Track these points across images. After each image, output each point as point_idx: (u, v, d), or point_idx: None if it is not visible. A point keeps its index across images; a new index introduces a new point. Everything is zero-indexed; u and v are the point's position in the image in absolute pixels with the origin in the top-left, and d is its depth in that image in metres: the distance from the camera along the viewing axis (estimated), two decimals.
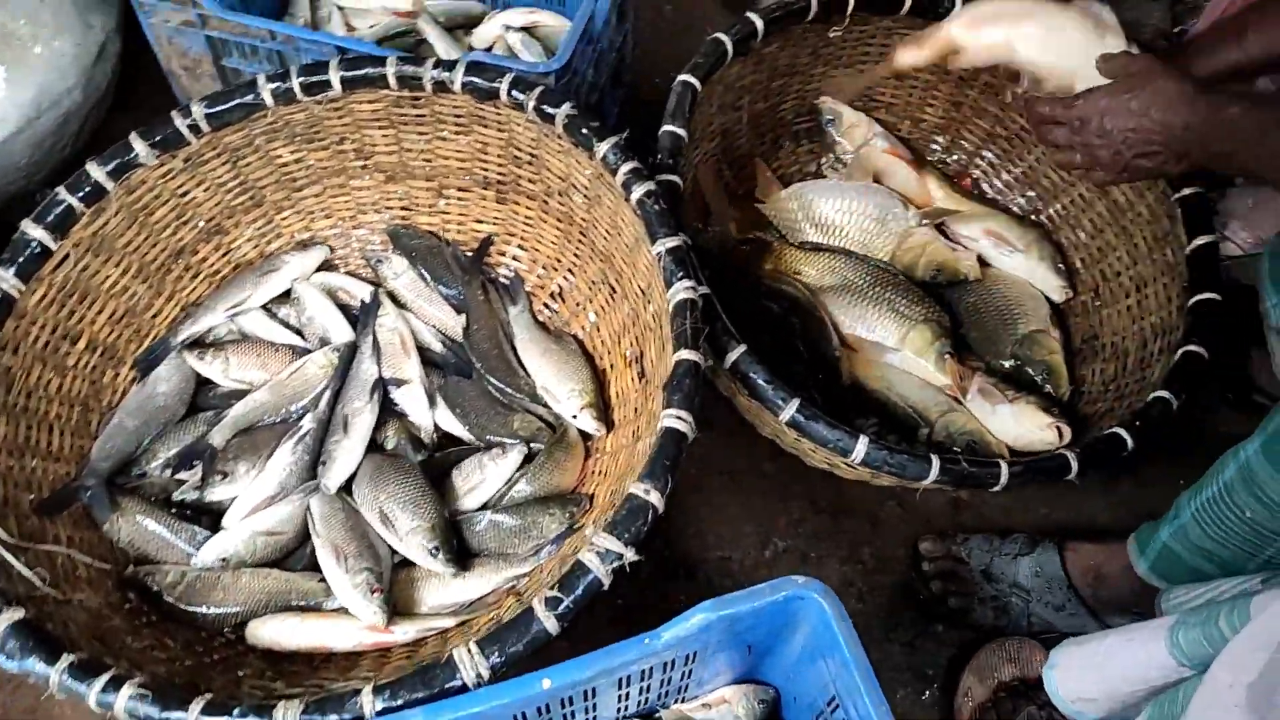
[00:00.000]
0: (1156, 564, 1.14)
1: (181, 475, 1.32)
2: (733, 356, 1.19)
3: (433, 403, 1.39)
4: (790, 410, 1.16)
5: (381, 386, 1.36)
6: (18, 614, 0.97)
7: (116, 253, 1.31)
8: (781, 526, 1.43)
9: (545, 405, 1.38)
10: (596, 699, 1.01)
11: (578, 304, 1.46)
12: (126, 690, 0.92)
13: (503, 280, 1.50)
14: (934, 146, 1.69)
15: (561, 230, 1.45)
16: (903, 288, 1.47)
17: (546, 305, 1.50)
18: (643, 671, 1.00)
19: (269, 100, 1.29)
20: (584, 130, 1.24)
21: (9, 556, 1.05)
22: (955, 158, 1.68)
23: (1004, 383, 1.39)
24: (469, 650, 0.93)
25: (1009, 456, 1.32)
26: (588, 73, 1.50)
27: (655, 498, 1.00)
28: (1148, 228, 1.41)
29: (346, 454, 1.29)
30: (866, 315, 1.44)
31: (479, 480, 1.31)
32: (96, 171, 1.24)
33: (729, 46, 1.39)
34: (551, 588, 0.95)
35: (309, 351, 1.40)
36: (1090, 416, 1.38)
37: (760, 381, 1.17)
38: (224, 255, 1.45)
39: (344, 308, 1.46)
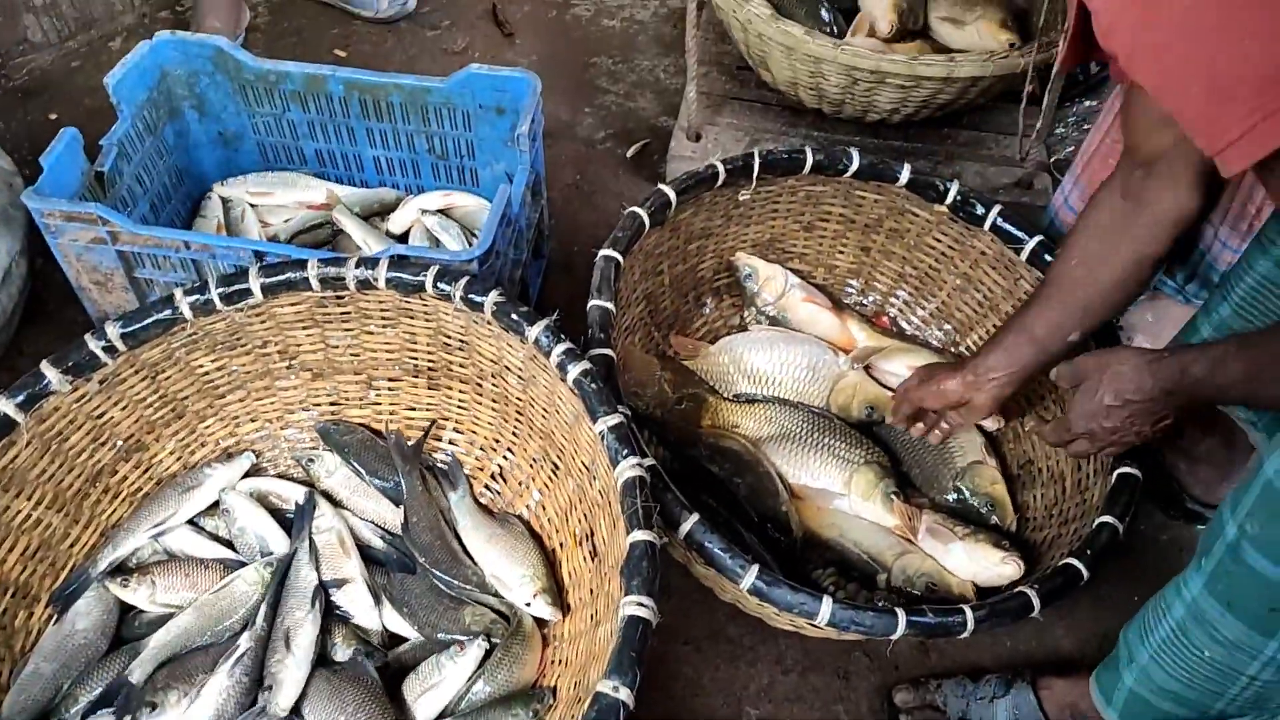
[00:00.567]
0: (1126, 712, 1.12)
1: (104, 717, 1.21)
2: (686, 527, 1.17)
3: (378, 601, 1.33)
4: (750, 578, 1.14)
5: (323, 594, 1.29)
6: None
7: (29, 485, 1.24)
8: (752, 693, 1.38)
9: (496, 594, 1.33)
10: None
11: (520, 483, 1.44)
12: None
13: (440, 465, 1.46)
14: (849, 289, 1.74)
15: (497, 410, 1.43)
16: (840, 431, 1.49)
17: (488, 486, 1.47)
18: None
19: (188, 314, 1.27)
20: (513, 316, 1.25)
21: None
22: (871, 299, 1.74)
23: (951, 518, 1.40)
24: None
25: (971, 595, 1.31)
26: (509, 252, 1.52)
27: (625, 694, 0.96)
28: None
29: (292, 673, 1.21)
30: (809, 463, 1.45)
31: (437, 681, 1.24)
32: (5, 404, 1.19)
33: (645, 219, 1.43)
34: None
35: (241, 564, 1.33)
36: (1037, 544, 1.40)
37: (717, 551, 1.16)
38: (145, 472, 1.38)
39: (276, 512, 1.40)
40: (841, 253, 1.71)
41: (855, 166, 1.54)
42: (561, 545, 1.35)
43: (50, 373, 1.21)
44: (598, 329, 1.31)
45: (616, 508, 1.12)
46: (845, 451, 1.46)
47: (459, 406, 1.47)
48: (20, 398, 1.20)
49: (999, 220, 1.51)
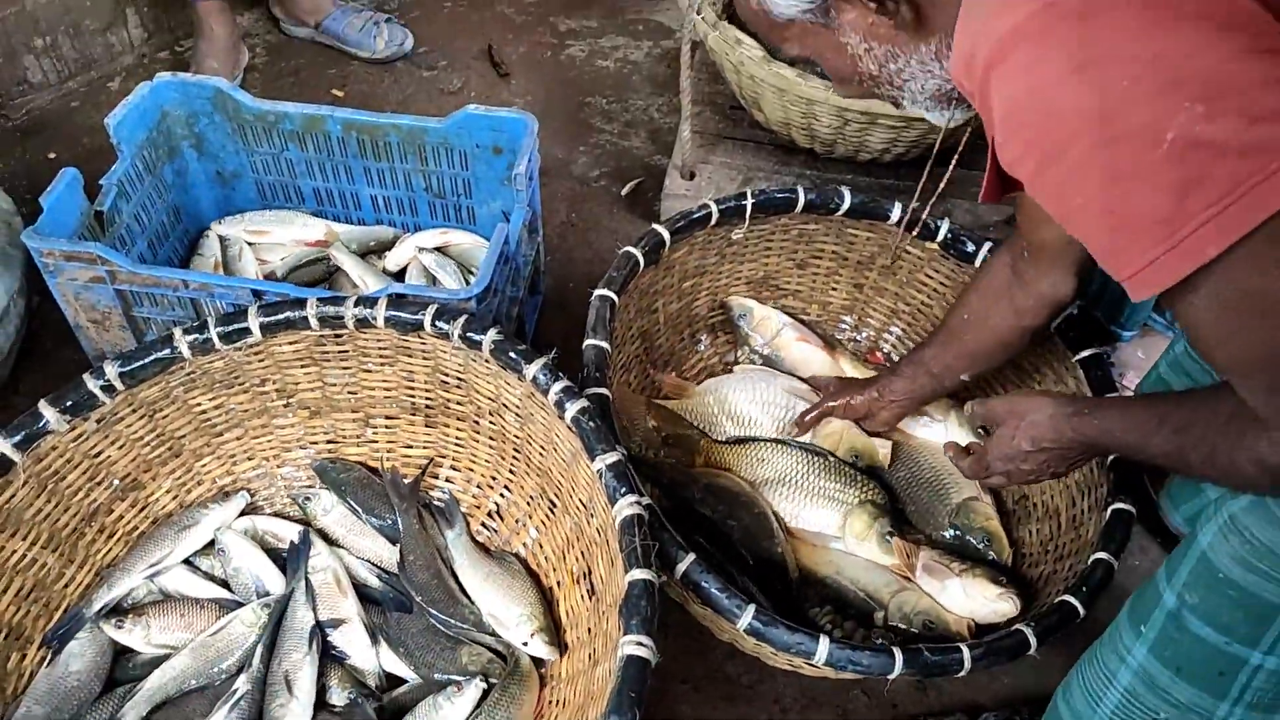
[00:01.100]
0: None
1: None
2: (682, 566, 1.17)
3: (375, 641, 1.32)
4: (747, 618, 1.14)
5: (319, 633, 1.29)
6: None
7: (24, 525, 1.24)
8: None
9: (493, 633, 1.33)
10: None
11: (517, 520, 1.44)
12: None
13: (437, 503, 1.46)
14: (843, 325, 1.76)
15: (495, 448, 1.43)
16: (833, 471, 1.49)
17: (485, 525, 1.47)
18: None
19: (186, 353, 1.28)
20: (511, 354, 1.25)
21: None
22: (864, 335, 1.75)
23: (948, 555, 1.40)
24: None
25: (967, 633, 1.31)
26: (506, 289, 1.53)
27: None
28: (1055, 388, 1.49)
29: (297, 717, 1.20)
30: (803, 507, 1.44)
31: None
32: (2, 444, 1.19)
33: (640, 258, 1.45)
34: None
35: (238, 604, 1.33)
36: (1033, 580, 1.40)
37: (714, 590, 1.15)
38: (141, 511, 1.38)
39: (272, 551, 1.40)
40: (834, 289, 1.72)
41: (847, 205, 1.56)
42: (559, 584, 1.35)
43: (48, 412, 1.21)
44: (593, 368, 1.32)
45: (615, 546, 1.12)
46: (839, 492, 1.46)
47: (456, 444, 1.47)
48: (18, 437, 1.19)
49: (990, 256, 1.53)
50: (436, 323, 1.28)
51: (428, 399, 1.43)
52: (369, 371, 1.40)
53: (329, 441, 1.48)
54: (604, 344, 1.35)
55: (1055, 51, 0.72)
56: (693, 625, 1.39)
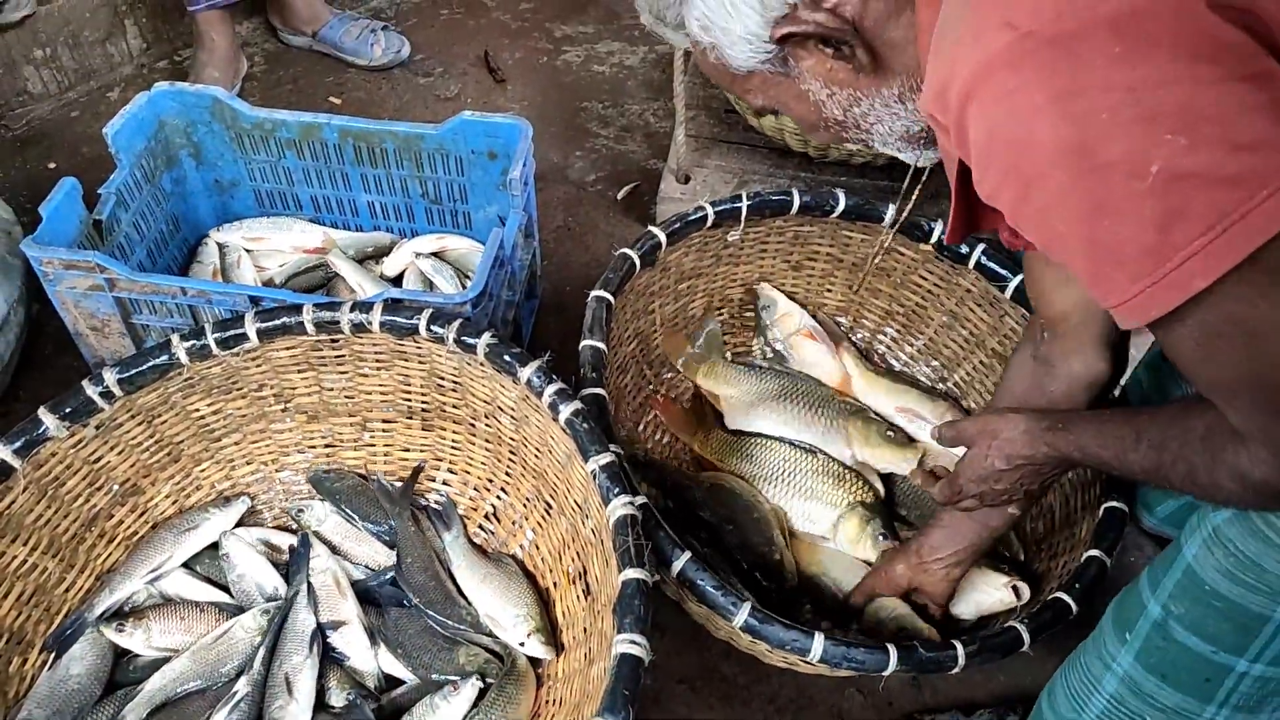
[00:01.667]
0: None
1: None
2: (678, 565, 1.18)
3: (373, 641, 1.33)
4: (743, 615, 1.15)
5: (320, 636, 1.30)
6: None
7: (25, 530, 1.25)
8: None
9: (490, 634, 1.34)
10: None
11: (514, 522, 1.45)
12: None
13: (434, 506, 1.47)
14: (838, 327, 1.77)
15: (491, 451, 1.44)
16: (825, 471, 1.49)
17: (481, 527, 1.48)
18: None
19: (184, 359, 1.29)
20: (506, 357, 1.26)
21: None
22: (860, 336, 1.76)
23: None
24: None
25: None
26: (502, 293, 1.55)
27: None
28: None
29: (296, 719, 1.21)
30: (793, 508, 1.46)
31: None
32: (2, 450, 1.20)
33: (636, 260, 1.46)
34: None
35: (238, 608, 1.34)
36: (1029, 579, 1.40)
37: (709, 589, 1.16)
38: (141, 516, 1.39)
39: (271, 561, 1.41)
40: (829, 291, 1.73)
41: (842, 207, 1.57)
42: (555, 585, 1.36)
43: (47, 419, 1.22)
44: (589, 369, 1.33)
45: (609, 546, 1.13)
46: (831, 494, 1.46)
47: (453, 447, 1.48)
48: (17, 444, 1.21)
49: (983, 258, 1.54)
50: (432, 327, 1.29)
51: (424, 403, 1.44)
52: (365, 376, 1.41)
53: (327, 446, 1.49)
54: (600, 344, 1.36)
55: (1032, 81, 0.70)
56: (689, 626, 1.40)
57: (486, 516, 1.48)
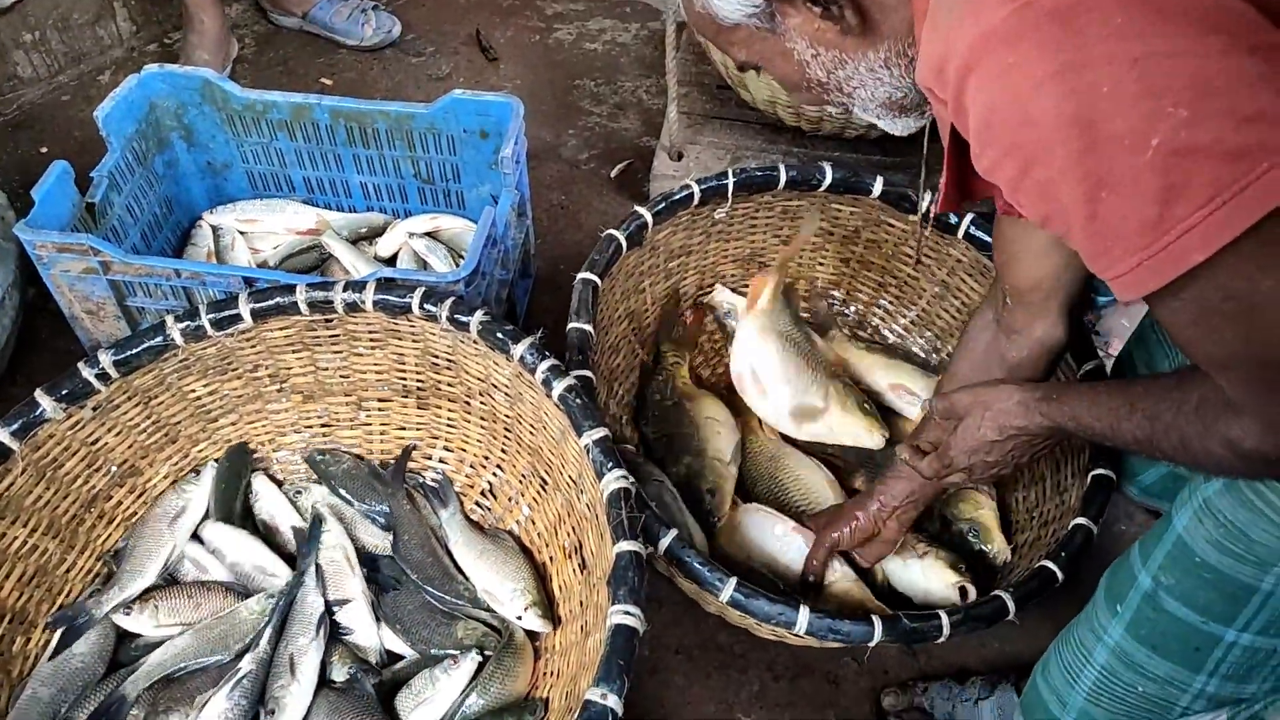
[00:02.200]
0: None
1: None
2: (665, 542, 1.19)
3: (377, 618, 1.35)
4: (729, 590, 1.16)
5: (328, 619, 1.31)
6: None
7: (25, 512, 1.26)
8: (744, 700, 1.40)
9: (488, 609, 1.35)
10: None
11: (510, 499, 1.46)
12: None
13: (431, 483, 1.49)
14: (832, 300, 1.77)
15: (486, 428, 1.46)
16: (796, 457, 1.52)
17: (478, 504, 1.49)
18: None
19: (179, 340, 1.30)
20: (499, 335, 1.27)
21: None
22: (854, 309, 1.77)
23: (918, 535, 1.40)
24: None
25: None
26: (495, 272, 1.55)
27: (614, 701, 0.98)
28: None
29: (296, 699, 1.23)
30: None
31: (431, 694, 1.26)
32: (0, 433, 1.21)
33: (622, 241, 1.46)
34: None
35: (245, 591, 1.35)
36: (1020, 546, 1.42)
37: (695, 565, 1.18)
38: (139, 497, 1.40)
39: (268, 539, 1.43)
40: (822, 264, 1.74)
41: (829, 180, 1.57)
42: (551, 559, 1.38)
43: (44, 401, 1.23)
44: (576, 350, 1.33)
45: (604, 520, 1.14)
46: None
47: (448, 425, 1.49)
48: (15, 426, 1.22)
49: (972, 228, 1.54)
50: (425, 305, 1.30)
51: (419, 381, 1.45)
52: (360, 355, 1.42)
53: (323, 425, 1.50)
54: (587, 326, 1.36)
55: (1032, 55, 0.69)
56: (685, 598, 1.41)
57: (483, 493, 1.49)
